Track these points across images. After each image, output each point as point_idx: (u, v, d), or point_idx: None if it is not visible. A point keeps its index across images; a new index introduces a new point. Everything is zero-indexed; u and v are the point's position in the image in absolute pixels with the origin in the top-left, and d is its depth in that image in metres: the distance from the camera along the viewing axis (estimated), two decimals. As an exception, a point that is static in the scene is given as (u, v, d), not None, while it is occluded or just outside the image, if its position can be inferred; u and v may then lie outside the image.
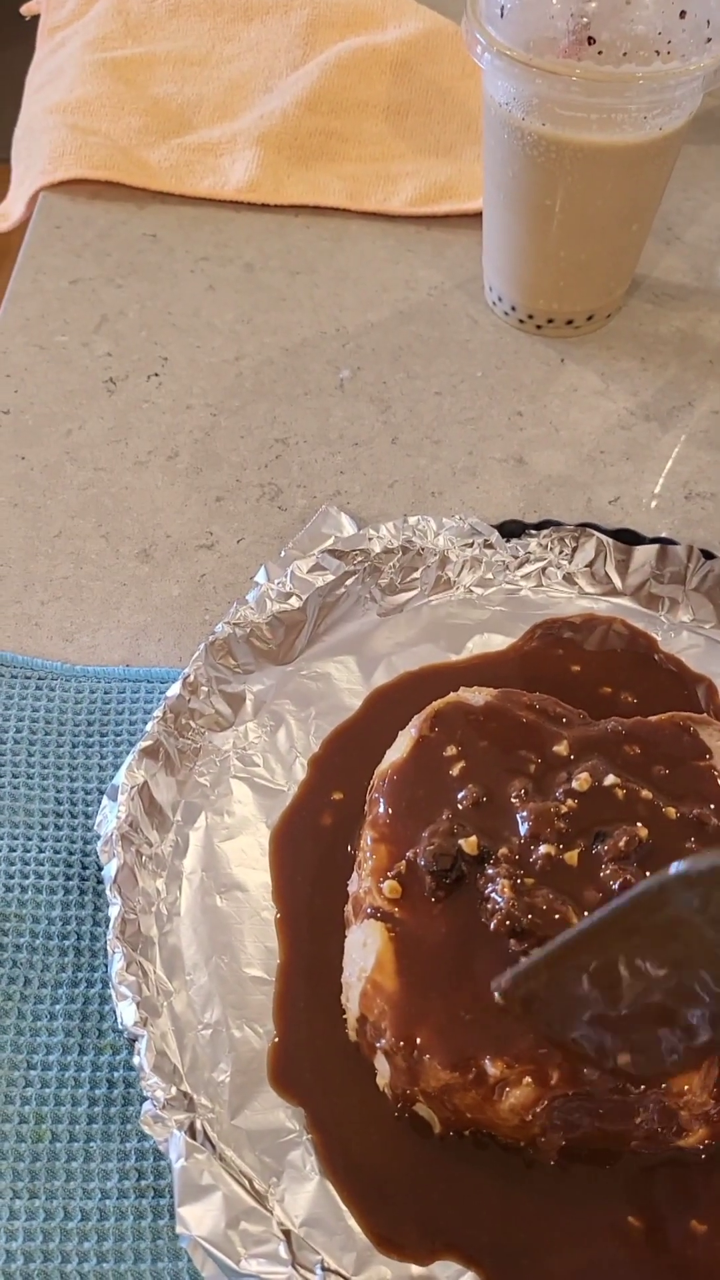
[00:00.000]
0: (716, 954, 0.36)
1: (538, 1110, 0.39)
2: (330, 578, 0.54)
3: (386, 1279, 0.38)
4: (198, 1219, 0.36)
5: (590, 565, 0.57)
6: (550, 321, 0.71)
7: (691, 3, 0.55)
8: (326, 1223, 0.39)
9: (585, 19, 0.56)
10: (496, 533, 0.56)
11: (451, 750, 0.46)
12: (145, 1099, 0.39)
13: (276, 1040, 0.43)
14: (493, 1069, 0.39)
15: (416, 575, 0.56)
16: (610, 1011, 0.37)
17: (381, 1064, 0.41)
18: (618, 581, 0.57)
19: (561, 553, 0.57)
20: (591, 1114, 0.39)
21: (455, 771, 0.46)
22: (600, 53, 0.56)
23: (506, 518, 0.58)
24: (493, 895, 0.41)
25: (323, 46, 0.90)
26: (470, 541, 0.56)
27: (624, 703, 0.53)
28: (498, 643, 0.56)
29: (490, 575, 0.57)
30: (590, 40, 0.55)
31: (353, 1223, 0.39)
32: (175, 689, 0.50)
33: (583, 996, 0.37)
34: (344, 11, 0.92)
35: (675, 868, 0.34)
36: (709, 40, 0.57)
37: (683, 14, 0.55)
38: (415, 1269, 0.39)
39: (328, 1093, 0.42)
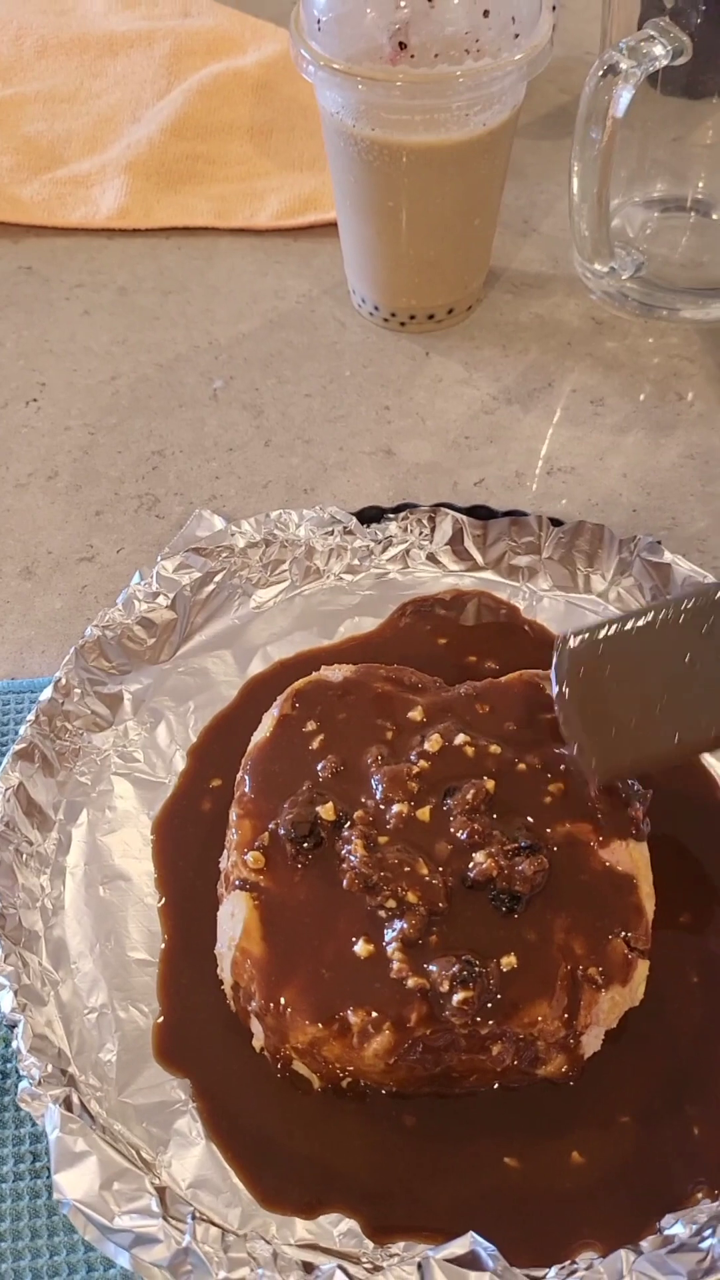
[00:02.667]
0: None
1: (400, 1053, 0.40)
2: (197, 575, 0.56)
3: (270, 1230, 0.40)
4: (72, 1184, 0.37)
5: (450, 543, 0.59)
6: (412, 318, 0.74)
7: (494, 2, 0.58)
8: (213, 1183, 0.41)
9: (398, 25, 0.58)
10: (355, 519, 0.58)
11: (311, 725, 0.48)
12: (23, 1078, 0.40)
13: (161, 1018, 0.45)
14: (354, 1018, 0.41)
15: (285, 567, 0.59)
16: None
17: (255, 1026, 0.43)
18: (479, 557, 0.59)
19: (422, 534, 0.59)
20: (452, 1051, 0.41)
21: (315, 745, 0.48)
22: (413, 56, 0.58)
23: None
24: (347, 855, 0.43)
25: (186, 74, 0.93)
26: (331, 530, 0.58)
27: (488, 670, 0.55)
28: (369, 625, 0.58)
29: (357, 561, 0.59)
30: (402, 45, 0.58)
31: (238, 1181, 0.41)
32: (47, 693, 0.51)
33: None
34: (205, 39, 0.95)
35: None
36: (517, 36, 0.60)
37: (486, 13, 0.58)
38: (300, 1221, 0.40)
39: (211, 1062, 0.44)
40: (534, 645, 0.57)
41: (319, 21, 0.60)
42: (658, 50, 0.60)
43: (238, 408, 0.71)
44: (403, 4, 0.59)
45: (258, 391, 0.72)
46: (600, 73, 0.60)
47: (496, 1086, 0.43)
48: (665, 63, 0.60)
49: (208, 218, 0.83)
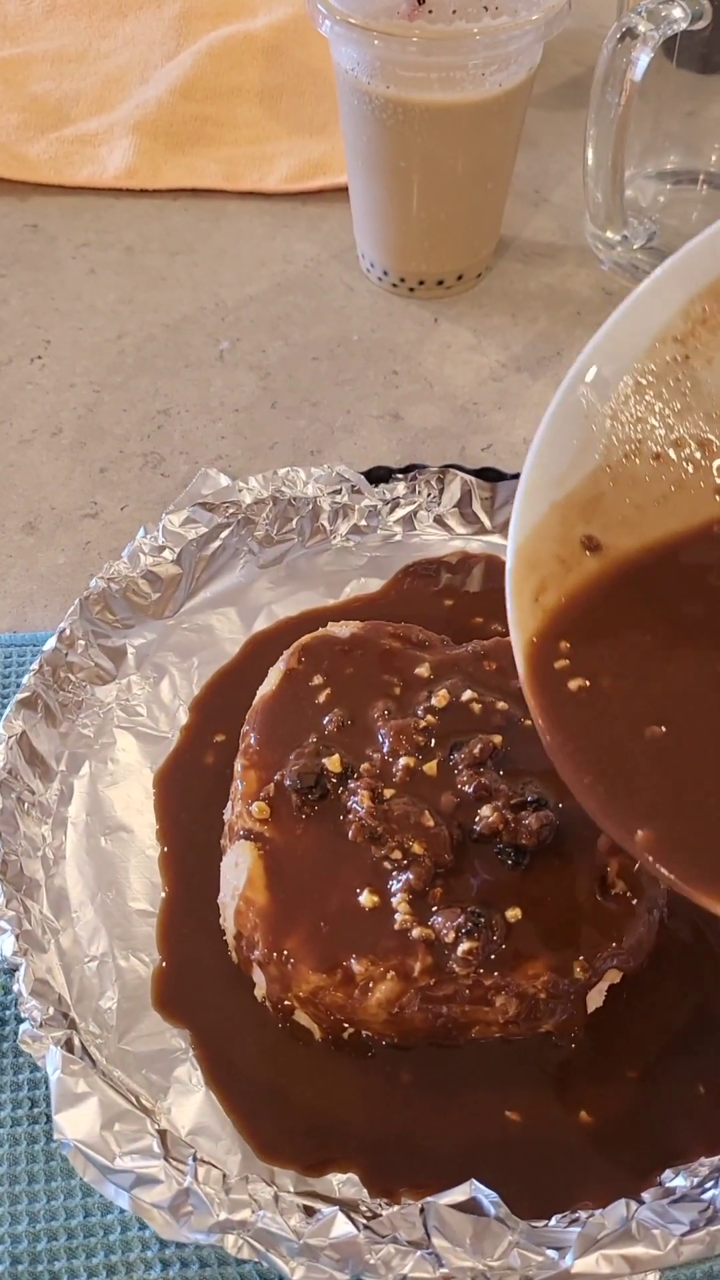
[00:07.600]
0: None
1: (403, 1002, 0.40)
2: (203, 530, 0.56)
3: (270, 1177, 0.39)
4: (73, 1124, 0.37)
5: (458, 505, 0.59)
6: (421, 284, 0.73)
7: (514, -40, 0.58)
8: (212, 1130, 0.41)
9: (416, -19, 0.58)
10: (364, 479, 0.58)
11: (318, 680, 0.48)
12: (23, 1021, 0.40)
13: (162, 966, 0.45)
14: (358, 967, 0.40)
15: (291, 526, 0.58)
16: None
17: (258, 975, 0.43)
18: (486, 520, 0.59)
19: (430, 495, 0.59)
20: (455, 1003, 0.41)
21: (321, 699, 0.47)
22: (431, 12, 0.58)
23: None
24: (353, 806, 0.43)
25: (196, 36, 0.92)
26: (338, 488, 0.58)
27: (494, 631, 0.55)
28: (374, 586, 0.58)
29: (363, 522, 0.59)
30: (420, 1, 0.58)
31: (237, 1131, 0.41)
32: (51, 643, 0.51)
33: None
34: (215, 2, 0.94)
35: None
36: (535, -4, 0.59)
37: (506, -29, 0.58)
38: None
39: (211, 1012, 0.44)
40: (540, 609, 0.57)
41: (336, -25, 0.60)
42: (676, 13, 0.59)
43: (244, 369, 0.70)
44: (421, -41, 0.58)
45: (264, 353, 0.71)
46: (618, 35, 0.60)
47: (498, 1038, 0.42)
48: (684, 25, 0.59)
49: (216, 179, 0.83)
